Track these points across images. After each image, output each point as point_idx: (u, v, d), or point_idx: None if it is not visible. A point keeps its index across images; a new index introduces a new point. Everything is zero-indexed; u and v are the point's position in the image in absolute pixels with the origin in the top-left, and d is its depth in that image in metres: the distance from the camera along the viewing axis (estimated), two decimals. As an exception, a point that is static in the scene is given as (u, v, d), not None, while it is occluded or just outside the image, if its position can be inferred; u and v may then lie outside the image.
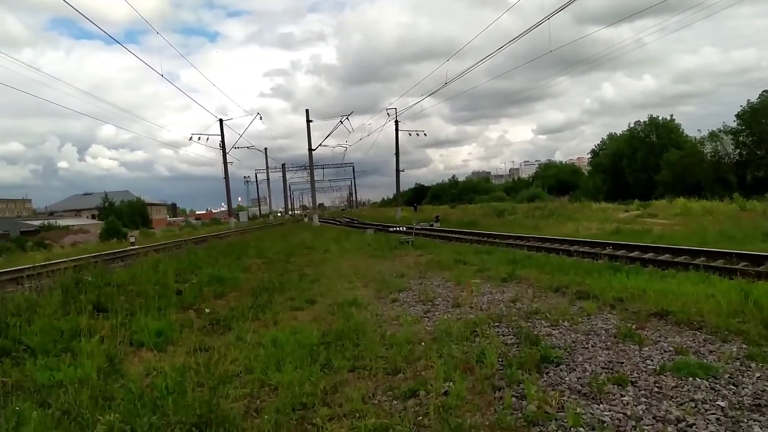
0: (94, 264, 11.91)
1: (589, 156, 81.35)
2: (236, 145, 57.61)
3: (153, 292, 8.95)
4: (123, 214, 76.45)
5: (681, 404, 3.84)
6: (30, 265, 14.26)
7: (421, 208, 67.45)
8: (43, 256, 23.00)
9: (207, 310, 8.33)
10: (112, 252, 21.54)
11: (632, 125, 68.17)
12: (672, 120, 65.44)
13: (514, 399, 4.06)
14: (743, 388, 4.06)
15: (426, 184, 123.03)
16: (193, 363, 5.22)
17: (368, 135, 71.72)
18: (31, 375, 4.99)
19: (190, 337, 6.59)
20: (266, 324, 7.22)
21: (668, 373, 4.44)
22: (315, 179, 55.17)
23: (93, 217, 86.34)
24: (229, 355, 5.55)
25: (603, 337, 5.62)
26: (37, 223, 72.98)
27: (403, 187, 78.46)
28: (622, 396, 4.05)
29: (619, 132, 72.59)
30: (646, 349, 5.15)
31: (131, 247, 24.21)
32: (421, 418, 3.84)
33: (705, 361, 4.67)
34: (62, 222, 74.91)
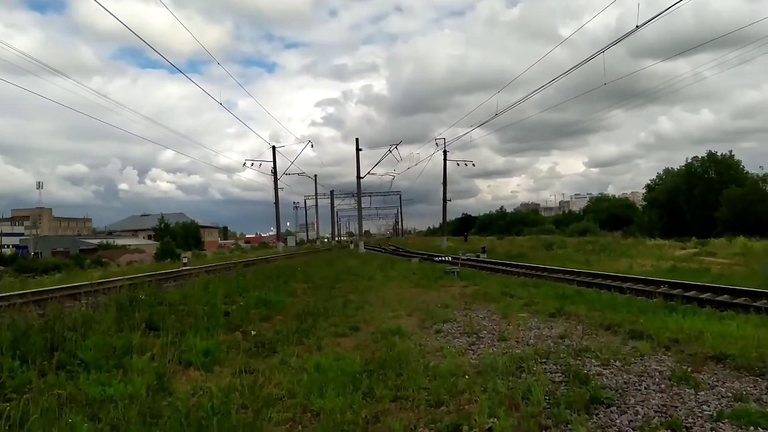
0: (147, 283, 12.34)
1: (644, 191, 78.97)
2: (287, 172, 58.98)
3: (202, 312, 9.17)
4: (177, 235, 79.04)
5: (742, 455, 3.61)
6: (87, 282, 14.91)
7: (470, 238, 66.81)
8: (100, 273, 23.98)
9: (253, 333, 8.46)
10: (165, 272, 22.25)
11: (690, 160, 66.02)
12: (731, 156, 63.07)
13: (561, 439, 3.92)
14: (812, 442, 3.79)
15: (473, 214, 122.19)
16: (238, 384, 5.30)
17: (416, 164, 71.50)
18: (84, 389, 5.17)
19: (236, 358, 6.70)
20: (310, 349, 7.26)
21: (726, 420, 4.19)
22: (362, 206, 55.79)
23: (149, 237, 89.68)
24: (273, 378, 5.60)
25: (657, 379, 5.38)
26: (96, 241, 76.45)
27: (450, 217, 78.01)
28: (676, 443, 3.85)
29: (675, 167, 70.40)
30: (702, 393, 4.88)
31: (183, 268, 24.96)
32: (463, 453, 3.76)
33: (767, 409, 4.39)
34: (120, 241, 78.20)
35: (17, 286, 16.18)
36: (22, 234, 79.53)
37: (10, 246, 69.38)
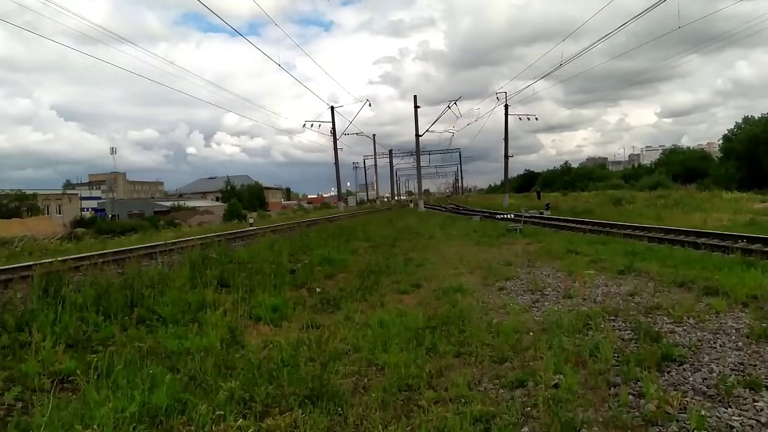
0: (217, 243, 12.85)
1: (721, 141, 74.09)
2: (346, 132, 59.16)
3: (269, 270, 9.48)
4: (243, 197, 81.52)
5: (829, 417, 3.42)
6: (162, 242, 15.68)
7: (532, 195, 65.35)
8: (173, 234, 25.11)
9: (318, 290, 8.69)
10: (233, 232, 23.05)
11: (772, 107, 61.22)
12: (822, 100, 57.87)
13: (630, 397, 3.83)
14: None
15: (536, 170, 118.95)
16: (305, 339, 5.48)
17: (476, 120, 69.96)
18: (163, 342, 5.49)
19: (302, 314, 6.92)
20: (373, 305, 7.39)
21: (812, 381, 3.96)
22: (421, 165, 55.41)
23: (217, 199, 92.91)
24: (339, 333, 5.75)
25: (733, 337, 5.14)
26: (168, 203, 79.98)
27: (512, 173, 76.48)
28: (755, 401, 3.68)
29: (756, 115, 65.48)
30: (786, 352, 4.63)
31: (250, 228, 25.78)
32: (529, 409, 3.75)
33: None
34: (190, 203, 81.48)
35: (97, 246, 17.23)
36: (99, 198, 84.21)
37: (89, 209, 73.71)
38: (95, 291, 6.86)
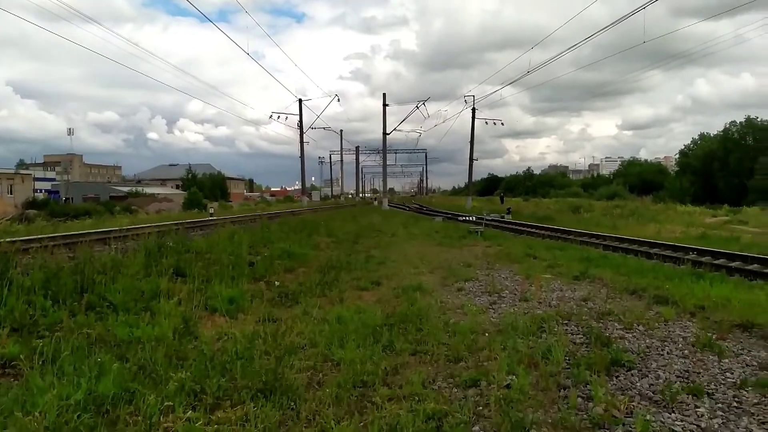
0: (175, 231, 12.56)
1: (677, 156, 76.78)
2: (313, 126, 58.73)
3: (228, 261, 9.33)
4: (204, 186, 79.93)
5: (763, 423, 3.57)
6: (117, 228, 15.24)
7: (495, 199, 66.27)
8: (129, 220, 24.48)
9: (277, 283, 8.60)
10: (192, 221, 22.58)
11: (727, 126, 63.74)
12: (772, 122, 60.54)
13: (579, 399, 3.92)
14: (838, 415, 3.72)
15: (499, 175, 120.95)
16: (261, 332, 5.41)
17: (443, 122, 70.98)
18: (113, 330, 5.33)
19: (259, 307, 6.83)
20: (332, 301, 7.36)
21: (750, 388, 4.14)
22: (387, 163, 55.49)
23: (177, 187, 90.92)
24: (296, 327, 5.70)
25: (680, 345, 5.32)
26: (125, 189, 77.89)
27: (476, 177, 77.49)
28: (696, 407, 3.82)
29: (712, 132, 68.11)
30: (727, 361, 4.82)
31: (210, 218, 25.33)
32: (481, 408, 3.80)
33: (795, 381, 4.31)
34: (149, 190, 79.44)
35: (49, 229, 16.63)
36: (54, 179, 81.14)
37: (43, 191, 71.11)
38: (44, 274, 6.61)
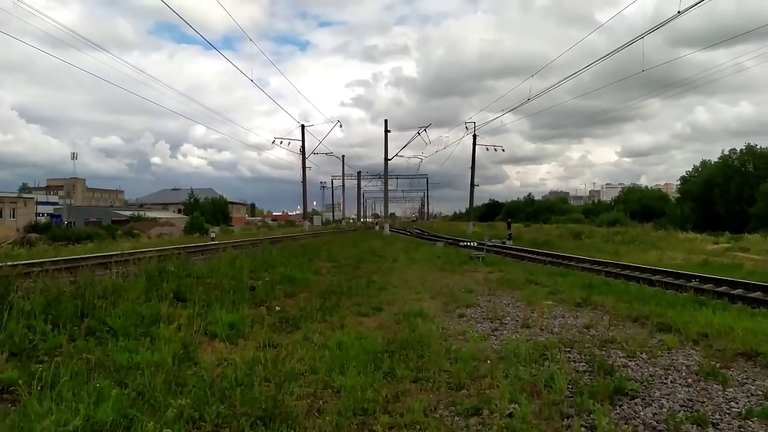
0: (176, 255, 12.55)
1: (678, 183, 76.97)
2: (315, 151, 59.06)
3: (229, 286, 9.30)
4: (206, 210, 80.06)
5: (770, 455, 3.52)
6: (118, 252, 15.22)
7: (497, 225, 66.26)
8: (131, 244, 24.47)
9: (277, 308, 8.56)
10: (193, 245, 22.61)
11: (726, 153, 64.05)
12: (771, 149, 60.78)
13: (583, 429, 3.88)
14: None
15: (500, 201, 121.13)
16: (261, 358, 5.36)
17: (444, 148, 71.29)
18: (112, 355, 5.29)
19: (260, 332, 6.78)
20: (333, 327, 7.31)
21: (755, 418, 4.09)
22: (388, 188, 55.63)
23: (179, 211, 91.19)
24: (296, 353, 5.65)
25: (683, 374, 5.27)
26: (127, 213, 78.07)
27: (477, 202, 77.43)
28: (702, 438, 3.77)
29: (712, 159, 68.41)
30: (731, 390, 4.77)
31: (211, 242, 25.33)
32: (483, 437, 3.75)
33: (801, 411, 4.26)
34: (150, 214, 79.72)
35: (50, 253, 16.65)
36: (56, 203, 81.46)
37: (45, 215, 71.33)
38: (45, 298, 6.59)
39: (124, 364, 5.05)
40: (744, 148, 62.32)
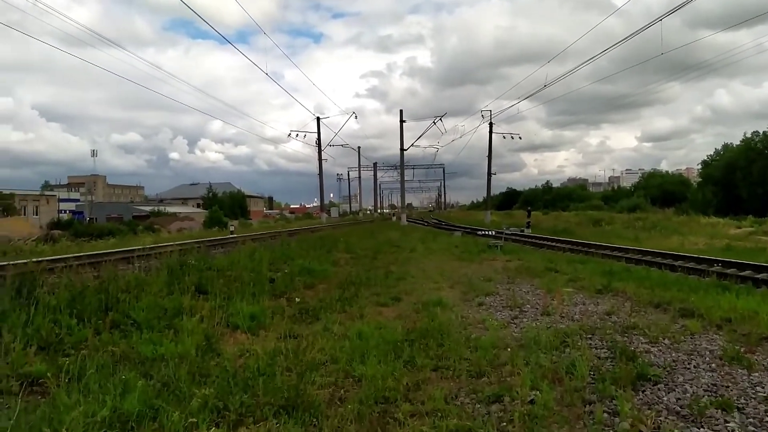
0: (197, 249, 12.72)
1: (699, 167, 75.52)
2: (331, 143, 59.09)
3: (248, 278, 9.39)
4: (225, 204, 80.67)
5: (798, 440, 3.47)
6: (140, 247, 15.45)
7: (514, 213, 65.82)
8: (152, 239, 24.77)
9: (297, 299, 8.63)
10: (213, 239, 22.83)
11: (749, 135, 62.66)
12: (795, 131, 59.27)
13: (605, 415, 3.85)
14: None
15: (518, 189, 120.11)
16: (282, 348, 5.43)
17: (460, 137, 71.34)
18: (137, 347, 5.39)
19: (280, 323, 6.86)
20: (352, 317, 7.35)
21: (783, 403, 4.02)
22: (405, 179, 55.59)
23: (198, 205, 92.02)
24: (317, 343, 5.70)
25: (707, 358, 5.20)
26: (148, 208, 79.09)
27: (494, 191, 77.10)
28: (726, 422, 3.72)
29: (734, 142, 66.99)
30: (756, 374, 4.70)
31: (230, 236, 25.57)
32: (504, 424, 3.75)
33: (829, 395, 4.19)
34: (170, 209, 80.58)
35: (74, 249, 16.95)
36: (78, 200, 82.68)
37: (67, 211, 72.46)
38: (69, 293, 6.73)
39: (149, 355, 5.14)
40: (767, 129, 60.92)
